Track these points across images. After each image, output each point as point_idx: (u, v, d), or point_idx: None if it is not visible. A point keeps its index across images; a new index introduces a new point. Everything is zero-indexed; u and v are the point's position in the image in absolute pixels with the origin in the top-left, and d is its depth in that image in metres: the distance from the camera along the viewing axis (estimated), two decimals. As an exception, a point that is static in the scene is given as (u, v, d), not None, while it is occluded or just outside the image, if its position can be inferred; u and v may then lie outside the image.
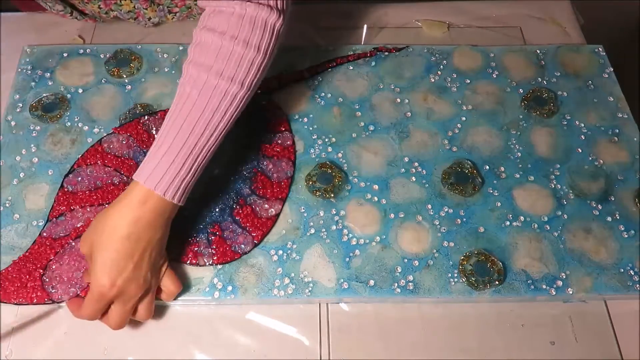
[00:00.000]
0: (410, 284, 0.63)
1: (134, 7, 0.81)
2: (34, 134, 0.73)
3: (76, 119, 0.74)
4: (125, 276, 0.55)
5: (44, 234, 0.65)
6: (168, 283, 0.61)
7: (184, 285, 0.63)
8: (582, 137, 0.75)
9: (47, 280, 0.62)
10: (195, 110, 0.57)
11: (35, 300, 0.61)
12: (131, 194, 0.56)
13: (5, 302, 0.61)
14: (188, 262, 0.64)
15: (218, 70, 0.57)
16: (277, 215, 0.67)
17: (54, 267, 0.62)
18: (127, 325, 0.61)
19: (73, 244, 0.64)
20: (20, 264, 0.63)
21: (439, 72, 0.81)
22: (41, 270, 0.62)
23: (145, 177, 0.56)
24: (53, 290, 0.61)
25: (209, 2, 0.59)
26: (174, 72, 0.79)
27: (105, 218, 0.56)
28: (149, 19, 0.83)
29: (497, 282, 0.63)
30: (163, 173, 0.56)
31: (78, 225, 0.65)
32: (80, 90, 0.77)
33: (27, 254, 0.63)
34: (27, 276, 0.62)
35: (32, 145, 0.72)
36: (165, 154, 0.56)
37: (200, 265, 0.64)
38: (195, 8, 0.84)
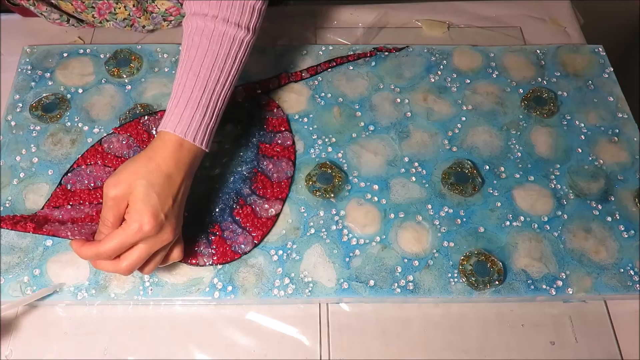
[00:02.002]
0: (410, 284, 0.63)
1: (129, 14, 0.81)
2: (34, 134, 0.73)
3: (76, 119, 0.74)
4: (166, 212, 0.55)
5: (39, 212, 0.64)
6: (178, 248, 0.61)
7: (184, 285, 0.63)
8: (582, 137, 0.75)
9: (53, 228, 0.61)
10: (209, 57, 0.59)
11: (31, 231, 0.59)
12: (163, 141, 0.57)
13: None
14: (188, 262, 0.64)
15: (224, 18, 0.59)
16: (277, 215, 0.67)
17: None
18: (127, 325, 0.61)
19: (69, 234, 0.62)
20: (16, 217, 0.62)
21: (439, 72, 0.81)
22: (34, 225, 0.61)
23: (174, 126, 0.57)
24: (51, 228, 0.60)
25: None
26: (173, 72, 0.79)
27: (144, 160, 0.57)
28: (144, 27, 0.84)
29: (497, 282, 0.63)
30: (190, 120, 0.58)
31: (77, 217, 0.65)
32: (80, 90, 0.77)
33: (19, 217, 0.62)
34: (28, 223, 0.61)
35: (32, 145, 0.72)
36: (188, 102, 0.58)
37: (200, 265, 0.64)
38: None
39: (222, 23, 0.59)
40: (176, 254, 0.60)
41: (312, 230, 0.67)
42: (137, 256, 0.55)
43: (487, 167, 0.72)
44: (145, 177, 0.55)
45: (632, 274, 0.65)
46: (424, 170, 0.72)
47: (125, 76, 0.78)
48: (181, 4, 0.81)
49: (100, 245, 0.54)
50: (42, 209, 0.66)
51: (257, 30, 0.63)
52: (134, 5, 0.79)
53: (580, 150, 0.74)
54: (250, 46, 0.62)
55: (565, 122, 0.77)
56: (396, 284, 0.63)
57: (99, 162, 0.70)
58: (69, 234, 0.59)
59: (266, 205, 0.68)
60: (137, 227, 0.53)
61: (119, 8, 0.80)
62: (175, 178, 0.57)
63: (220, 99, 0.60)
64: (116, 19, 0.82)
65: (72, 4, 0.79)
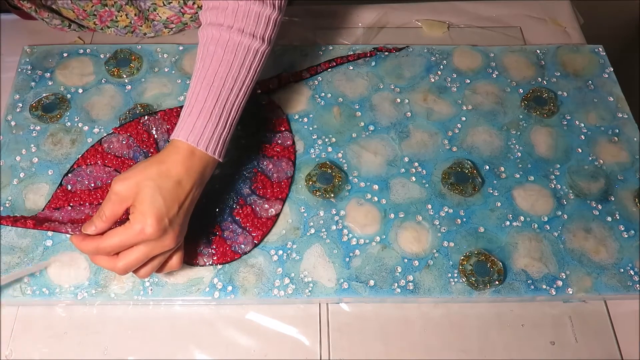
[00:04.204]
0: (410, 284, 0.63)
1: (130, 22, 0.81)
2: (34, 134, 0.73)
3: (76, 119, 0.74)
4: (171, 217, 0.55)
5: (40, 213, 0.65)
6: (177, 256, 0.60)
7: (184, 285, 0.63)
8: (582, 137, 0.75)
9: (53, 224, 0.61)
10: (223, 67, 0.59)
11: (31, 227, 0.59)
12: (176, 149, 0.57)
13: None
14: (188, 262, 0.64)
15: (239, 28, 0.59)
16: (277, 215, 0.67)
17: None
18: (127, 325, 0.61)
19: (70, 229, 0.62)
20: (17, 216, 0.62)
21: (439, 72, 0.81)
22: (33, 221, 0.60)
23: (186, 135, 0.57)
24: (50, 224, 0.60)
25: None
26: (173, 72, 0.79)
27: (156, 164, 0.56)
28: (145, 34, 0.84)
29: (497, 282, 0.63)
30: (202, 129, 0.58)
31: (76, 217, 0.65)
32: (80, 90, 0.77)
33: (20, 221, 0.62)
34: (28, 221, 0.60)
35: (32, 145, 0.72)
36: (202, 111, 0.58)
37: (200, 265, 0.64)
38: (192, 24, 0.84)
39: (237, 33, 0.59)
40: (175, 261, 0.59)
41: (312, 230, 0.67)
42: (134, 257, 0.54)
43: (487, 167, 0.72)
44: (154, 180, 0.55)
45: (632, 274, 0.65)
46: (424, 170, 0.72)
47: (125, 76, 0.78)
48: (182, 13, 0.81)
49: (101, 241, 0.54)
50: (43, 210, 0.66)
51: (273, 40, 0.63)
52: (135, 14, 0.79)
53: (580, 150, 0.74)
54: (266, 56, 0.62)
55: (565, 122, 0.77)
56: (396, 284, 0.63)
57: (99, 162, 0.70)
58: (69, 229, 0.59)
59: (266, 205, 0.68)
60: (139, 228, 0.53)
61: (121, 16, 0.80)
62: (185, 185, 0.56)
63: (234, 108, 0.60)
64: (117, 27, 0.82)
65: (73, 12, 0.79)
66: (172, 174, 0.56)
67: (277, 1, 0.61)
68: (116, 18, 0.80)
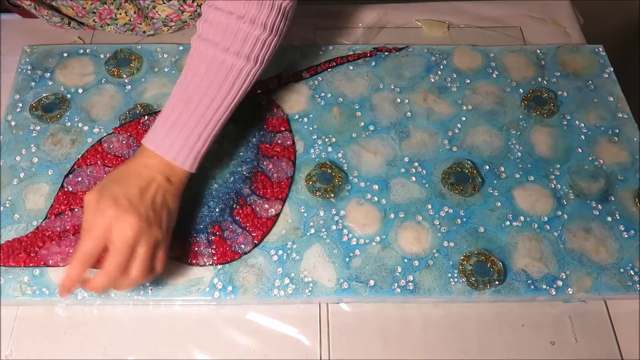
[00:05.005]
0: (410, 284, 0.63)
1: (130, 20, 0.81)
2: (34, 134, 0.73)
3: (76, 119, 0.74)
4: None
5: (42, 226, 0.65)
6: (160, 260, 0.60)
7: (184, 285, 0.63)
8: (582, 137, 0.75)
9: (41, 256, 0.63)
10: (204, 83, 0.60)
11: (30, 264, 0.62)
12: (141, 152, 0.60)
13: None
14: (188, 262, 0.64)
15: (225, 47, 0.60)
16: (277, 215, 0.67)
17: (50, 249, 0.63)
18: (127, 325, 0.61)
19: (72, 237, 0.64)
20: (14, 243, 0.64)
21: (439, 72, 0.81)
22: (37, 249, 0.63)
23: (156, 144, 0.59)
24: (49, 259, 0.63)
25: None
26: (173, 72, 0.79)
27: (123, 174, 0.58)
28: (144, 32, 0.84)
29: (497, 282, 0.63)
30: (173, 141, 0.59)
31: (78, 223, 0.65)
32: (80, 90, 0.77)
33: (23, 237, 0.64)
34: (21, 253, 0.63)
35: (32, 145, 0.72)
36: (175, 123, 0.59)
37: (200, 265, 0.64)
38: (191, 22, 0.84)
39: (222, 51, 0.60)
40: (159, 258, 0.59)
41: (312, 230, 0.67)
42: (140, 256, 0.56)
43: (487, 167, 0.72)
44: (124, 190, 0.57)
45: (632, 274, 0.65)
46: (424, 170, 0.72)
47: (125, 76, 0.78)
48: (182, 11, 0.81)
49: (105, 268, 0.55)
50: (45, 218, 0.66)
51: (264, 60, 0.62)
52: (135, 12, 0.79)
53: (580, 150, 0.74)
54: (253, 75, 0.62)
55: (565, 122, 0.77)
56: (396, 284, 0.63)
57: (99, 162, 0.70)
58: (59, 259, 0.62)
59: (266, 205, 0.68)
60: (126, 238, 0.55)
61: (120, 14, 0.80)
62: (145, 175, 0.58)
63: (210, 123, 0.60)
64: (117, 24, 0.82)
65: (73, 9, 0.79)
66: (129, 167, 0.59)
67: (270, 23, 0.61)
68: (115, 16, 0.80)
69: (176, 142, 0.59)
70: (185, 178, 0.61)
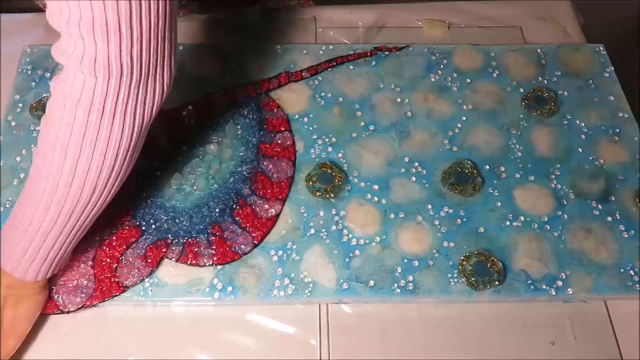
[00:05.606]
0: (410, 284, 0.63)
1: None
2: (34, 134, 0.73)
3: (76, 119, 0.74)
4: None
5: None
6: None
7: (184, 285, 0.63)
8: (583, 136, 0.75)
9: (53, 288, 0.62)
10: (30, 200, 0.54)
11: (45, 310, 0.61)
12: None
13: None
14: (188, 262, 0.64)
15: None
16: (277, 215, 0.67)
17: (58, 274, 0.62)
18: (127, 325, 0.61)
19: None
20: None
21: (440, 72, 0.81)
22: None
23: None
24: (60, 300, 0.61)
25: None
26: (174, 72, 0.79)
27: None
28: None
29: (497, 282, 0.63)
30: (15, 256, 0.56)
31: None
32: (80, 91, 0.77)
33: None
34: None
35: (32, 145, 0.72)
36: (20, 243, 0.55)
37: (200, 266, 0.64)
38: (190, 18, 0.83)
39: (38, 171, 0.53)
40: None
41: (312, 231, 0.67)
42: None
43: (487, 167, 0.72)
44: None
45: (632, 274, 0.65)
46: (424, 170, 0.72)
47: (125, 76, 0.78)
48: (187, 1, 0.80)
49: None
50: None
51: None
52: None
53: (581, 150, 0.74)
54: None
55: (566, 122, 0.77)
56: (396, 284, 0.63)
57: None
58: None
59: (266, 206, 0.68)
60: None
61: None
62: None
63: (52, 238, 0.55)
64: None
65: None
66: None
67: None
68: None
69: (22, 260, 0.56)
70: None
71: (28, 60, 0.80)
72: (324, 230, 0.67)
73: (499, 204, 0.69)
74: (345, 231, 0.67)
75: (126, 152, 0.51)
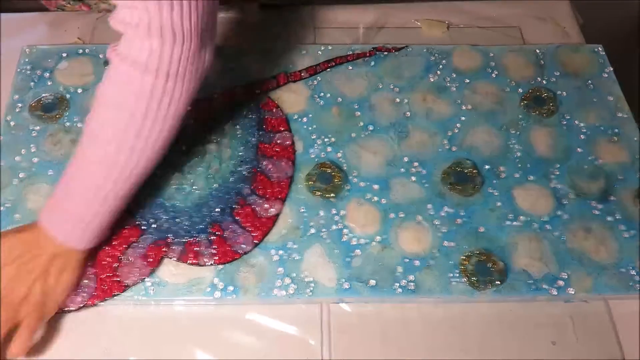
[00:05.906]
0: (411, 283, 0.63)
1: None
2: (34, 134, 0.73)
3: (76, 119, 0.74)
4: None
5: None
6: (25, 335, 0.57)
7: (185, 285, 0.63)
8: (582, 136, 0.75)
9: None
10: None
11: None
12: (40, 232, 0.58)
13: None
14: (189, 262, 0.64)
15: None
16: (277, 215, 0.67)
17: None
18: (127, 325, 0.61)
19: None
20: None
21: (439, 72, 0.81)
22: None
23: (48, 225, 0.58)
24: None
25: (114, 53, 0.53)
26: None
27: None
28: None
29: (498, 282, 0.63)
30: (71, 226, 0.58)
31: None
32: (79, 90, 0.77)
33: None
34: None
35: (32, 145, 0.72)
36: (72, 213, 0.57)
37: (201, 265, 0.64)
38: None
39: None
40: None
41: (312, 230, 0.67)
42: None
43: (487, 167, 0.72)
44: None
45: (633, 274, 0.65)
46: (423, 170, 0.72)
47: (124, 76, 0.78)
48: None
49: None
50: None
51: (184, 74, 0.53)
52: None
53: (580, 150, 0.74)
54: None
55: (565, 122, 0.77)
56: (397, 284, 0.63)
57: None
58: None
59: (266, 205, 0.68)
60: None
61: None
62: (26, 270, 0.57)
63: (111, 204, 0.57)
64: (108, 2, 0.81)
65: None
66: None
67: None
68: None
69: (75, 230, 0.58)
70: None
71: (27, 60, 0.80)
72: (324, 229, 0.67)
73: (499, 203, 0.69)
74: (345, 231, 0.67)
75: (180, 117, 0.55)
